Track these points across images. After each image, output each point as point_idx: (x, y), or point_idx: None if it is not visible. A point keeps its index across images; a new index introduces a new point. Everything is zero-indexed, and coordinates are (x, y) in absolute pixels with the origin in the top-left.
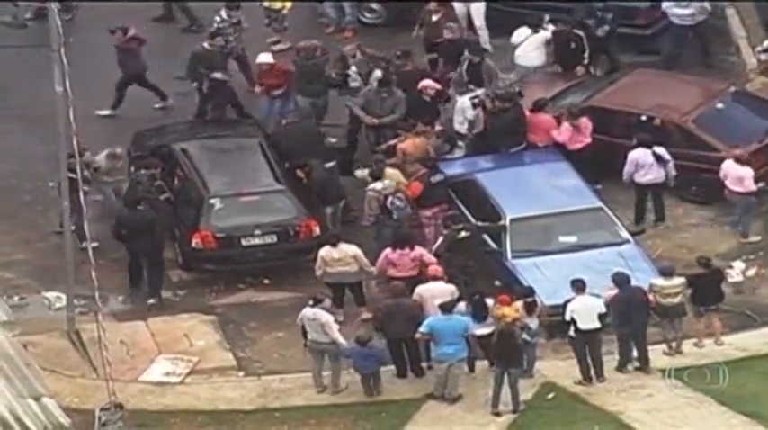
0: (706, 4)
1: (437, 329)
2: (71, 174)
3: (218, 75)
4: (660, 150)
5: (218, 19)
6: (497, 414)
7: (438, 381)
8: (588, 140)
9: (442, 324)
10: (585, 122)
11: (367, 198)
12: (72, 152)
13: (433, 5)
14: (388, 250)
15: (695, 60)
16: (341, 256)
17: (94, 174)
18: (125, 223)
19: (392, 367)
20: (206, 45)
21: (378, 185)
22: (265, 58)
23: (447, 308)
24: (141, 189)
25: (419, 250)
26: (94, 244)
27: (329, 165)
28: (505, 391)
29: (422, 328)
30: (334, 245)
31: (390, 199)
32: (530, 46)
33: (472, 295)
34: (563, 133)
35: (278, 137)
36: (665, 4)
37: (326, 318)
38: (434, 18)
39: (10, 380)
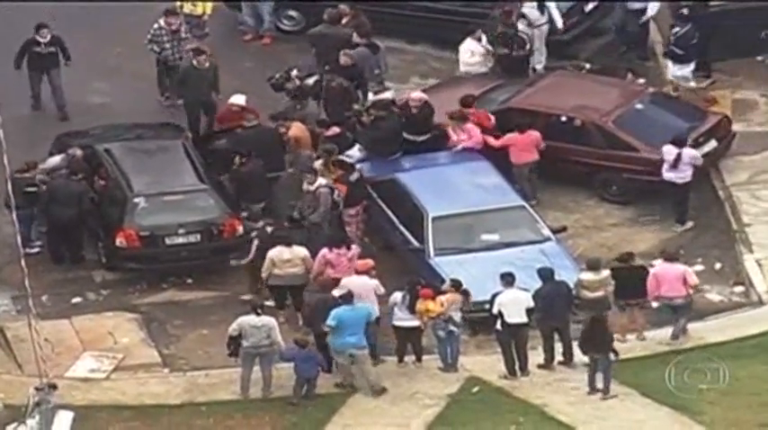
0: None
1: (343, 320)
2: (30, 188)
3: None
4: (686, 153)
5: (155, 26)
6: (592, 391)
7: (345, 371)
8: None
9: (348, 314)
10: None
11: (323, 195)
12: (23, 168)
13: (343, 9)
14: (324, 250)
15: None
16: (291, 257)
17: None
18: (55, 192)
19: None
20: (194, 62)
21: (323, 181)
22: (238, 100)
23: (348, 298)
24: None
25: (355, 249)
26: (36, 249)
27: (288, 172)
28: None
29: (329, 321)
30: (288, 245)
31: (336, 192)
32: (467, 54)
33: (410, 286)
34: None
35: (239, 140)
36: None
37: (274, 322)
38: (343, 21)
39: None
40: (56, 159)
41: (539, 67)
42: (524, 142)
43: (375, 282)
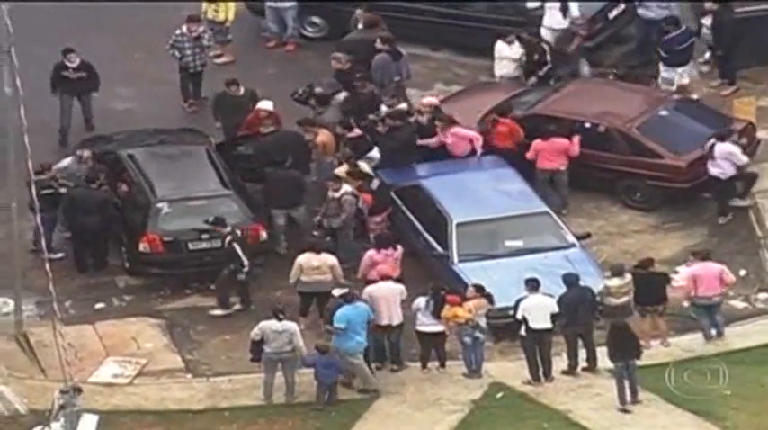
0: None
1: (351, 319)
2: (47, 191)
3: None
4: (719, 147)
5: (177, 32)
6: (625, 411)
7: (363, 373)
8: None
9: (353, 313)
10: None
11: (347, 202)
12: (38, 170)
13: (359, 13)
14: (372, 251)
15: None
16: (319, 265)
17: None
18: (77, 200)
19: None
20: (227, 91)
21: (347, 188)
22: (266, 105)
23: (348, 298)
24: None
25: (400, 250)
26: (60, 254)
27: (312, 180)
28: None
29: (338, 323)
30: (317, 252)
31: (360, 200)
32: (504, 58)
33: (434, 291)
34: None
35: (259, 147)
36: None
37: (295, 327)
38: (359, 26)
39: None
40: (67, 160)
41: (585, 69)
42: (547, 149)
43: (401, 286)
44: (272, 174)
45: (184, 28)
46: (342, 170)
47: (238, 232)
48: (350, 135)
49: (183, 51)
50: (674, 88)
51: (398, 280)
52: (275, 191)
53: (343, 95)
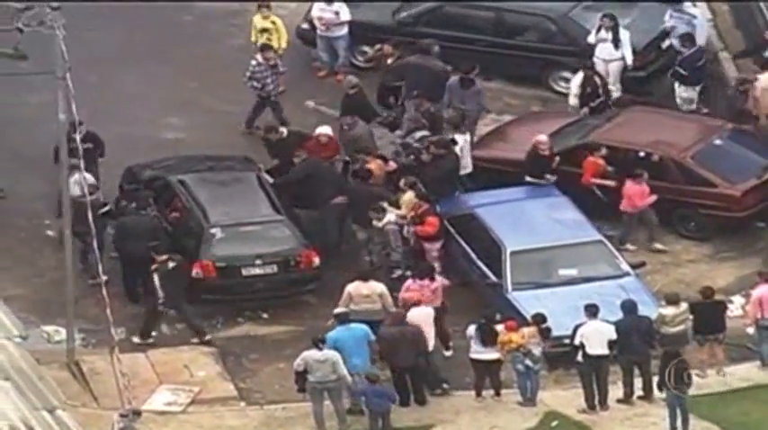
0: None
1: (341, 341)
2: (103, 209)
3: None
4: None
5: (253, 63)
6: None
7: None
8: None
9: (345, 335)
10: None
11: (391, 232)
12: (91, 191)
13: (387, 49)
14: (409, 281)
15: None
16: (369, 293)
17: None
18: (128, 228)
19: None
20: (268, 137)
21: (392, 217)
22: (325, 130)
23: (342, 318)
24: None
25: (439, 280)
26: (105, 277)
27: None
28: None
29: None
30: (365, 280)
31: (406, 228)
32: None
33: (483, 320)
34: None
35: (297, 173)
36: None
37: (337, 356)
38: (389, 62)
39: (24, 393)
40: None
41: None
42: (624, 191)
43: (430, 309)
44: (354, 189)
45: (259, 57)
46: (409, 196)
47: (172, 264)
48: (386, 168)
49: (264, 80)
50: (693, 106)
51: (441, 309)
52: (355, 206)
53: (419, 134)
